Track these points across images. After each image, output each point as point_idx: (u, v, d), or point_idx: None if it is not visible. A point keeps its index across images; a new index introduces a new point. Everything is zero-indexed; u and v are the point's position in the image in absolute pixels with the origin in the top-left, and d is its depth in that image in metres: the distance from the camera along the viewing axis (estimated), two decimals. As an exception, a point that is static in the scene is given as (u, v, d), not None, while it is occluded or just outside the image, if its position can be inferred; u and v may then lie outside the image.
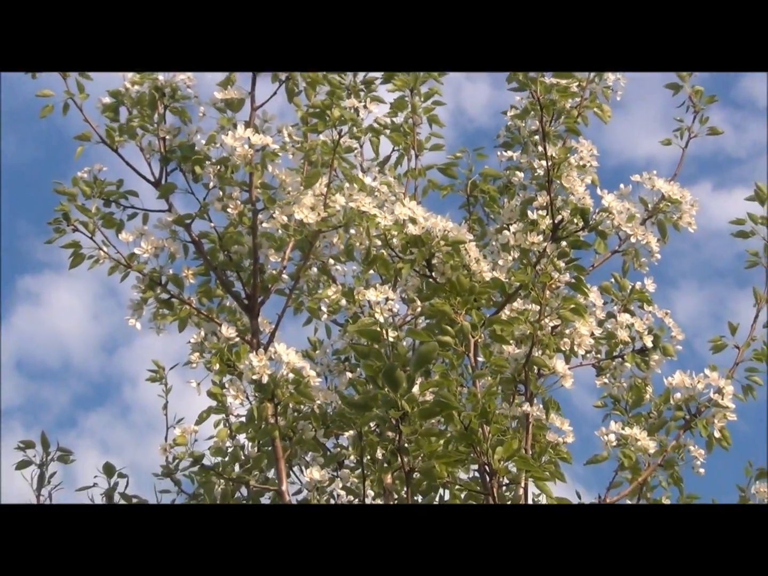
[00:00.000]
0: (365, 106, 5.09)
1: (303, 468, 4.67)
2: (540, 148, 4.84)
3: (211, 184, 5.00)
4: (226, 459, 4.85)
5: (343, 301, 4.73)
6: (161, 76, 5.01)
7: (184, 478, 4.96)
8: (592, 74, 5.10)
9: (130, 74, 4.99)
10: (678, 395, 4.69)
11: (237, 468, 4.85)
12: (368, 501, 4.64)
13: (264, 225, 4.82)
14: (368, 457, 4.41)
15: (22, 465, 5.11)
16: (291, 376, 4.32)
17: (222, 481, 4.81)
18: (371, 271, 4.64)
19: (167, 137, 5.05)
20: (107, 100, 5.02)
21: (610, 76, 5.10)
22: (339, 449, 4.78)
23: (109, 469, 5.00)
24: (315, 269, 5.01)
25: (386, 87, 5.52)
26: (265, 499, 4.93)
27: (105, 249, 5.02)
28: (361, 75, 5.57)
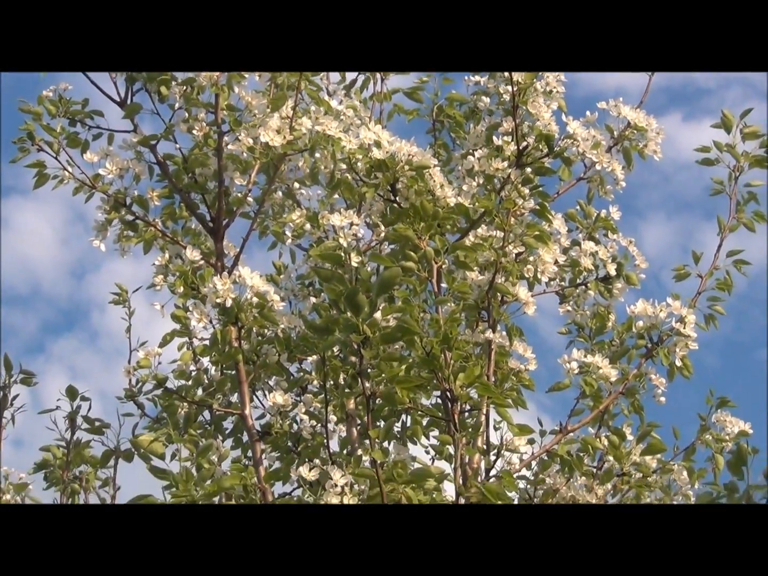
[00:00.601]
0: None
1: (266, 392, 4.71)
2: (506, 73, 4.86)
3: (177, 105, 5.01)
4: (190, 382, 4.87)
5: (308, 226, 4.76)
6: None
7: (148, 402, 4.96)
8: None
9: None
10: (640, 323, 4.73)
11: (200, 392, 4.88)
12: (330, 426, 4.64)
13: (229, 147, 4.84)
14: (331, 382, 4.44)
15: None
16: (255, 300, 4.36)
17: (185, 404, 4.82)
18: (336, 196, 4.66)
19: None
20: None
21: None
22: (302, 374, 4.81)
23: (72, 393, 5.05)
24: (280, 193, 5.02)
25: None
26: (228, 423, 4.98)
27: (70, 169, 5.05)
28: None
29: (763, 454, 4.14)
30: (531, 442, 4.76)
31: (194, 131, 4.94)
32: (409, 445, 4.69)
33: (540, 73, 4.86)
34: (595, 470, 4.74)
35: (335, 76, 5.64)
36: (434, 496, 3.97)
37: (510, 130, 4.79)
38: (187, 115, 4.99)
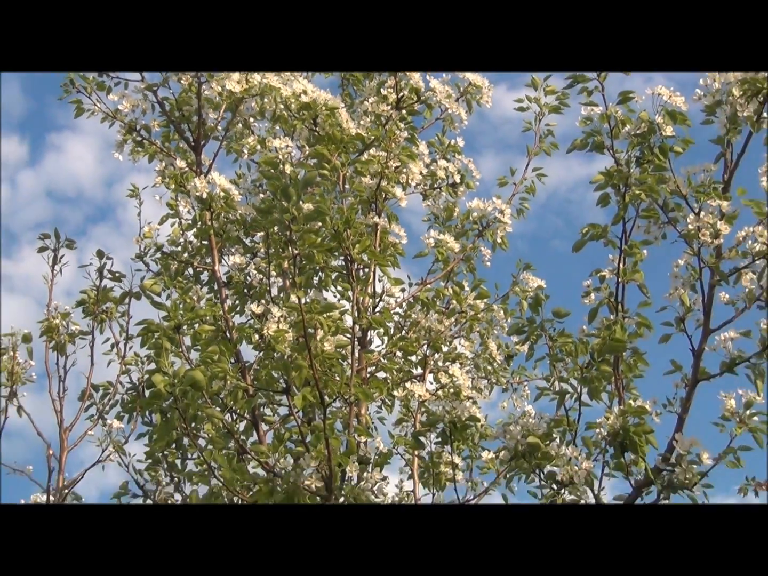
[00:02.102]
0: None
1: (229, 255, 4.68)
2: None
3: (171, 63, 4.98)
4: (179, 248, 4.89)
5: (258, 146, 4.76)
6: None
7: (151, 262, 4.94)
8: None
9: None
10: (475, 214, 4.79)
11: (186, 255, 4.89)
12: (272, 279, 4.65)
13: (206, 93, 4.81)
14: (272, 249, 4.45)
15: (42, 249, 5.15)
16: (222, 194, 4.33)
17: (175, 262, 4.84)
18: (277, 127, 4.64)
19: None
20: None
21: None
22: (253, 244, 4.80)
23: (100, 254, 5.07)
24: (240, 125, 4.95)
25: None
26: (204, 276, 4.95)
27: (99, 105, 5.00)
28: None
29: (554, 300, 4.21)
30: (402, 290, 4.84)
31: (182, 81, 4.90)
32: (323, 292, 4.71)
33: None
34: (444, 309, 4.79)
35: None
36: (338, 323, 3.98)
37: (392, 85, 4.79)
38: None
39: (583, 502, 3.77)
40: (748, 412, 3.59)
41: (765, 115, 3.73)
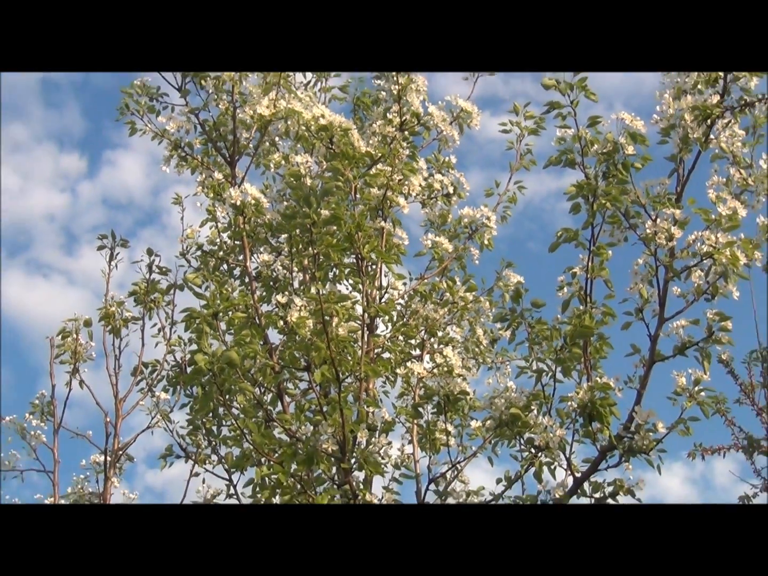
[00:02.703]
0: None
1: (258, 254, 4.67)
2: (393, 77, 4.82)
3: (211, 90, 4.97)
4: (216, 248, 4.88)
5: (283, 161, 4.78)
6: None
7: (193, 259, 4.94)
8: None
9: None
10: (465, 220, 4.78)
11: (222, 253, 4.87)
12: (294, 273, 4.64)
13: (240, 116, 4.82)
14: (295, 249, 4.44)
15: (100, 248, 5.16)
16: (252, 201, 4.30)
17: (213, 259, 4.85)
18: (299, 145, 4.63)
19: (185, 63, 5.01)
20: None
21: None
22: (279, 244, 4.79)
23: (150, 251, 5.08)
24: (268, 143, 4.97)
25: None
26: (237, 271, 4.91)
27: (149, 126, 5.00)
28: None
29: (531, 293, 4.21)
30: (404, 284, 4.84)
31: (220, 105, 4.92)
32: (338, 285, 4.72)
33: (415, 79, 4.82)
34: (439, 300, 4.77)
35: (299, 77, 5.41)
36: (350, 312, 3.98)
37: (396, 110, 4.79)
38: (216, 96, 4.96)
39: (555, 464, 3.78)
40: (696, 389, 3.61)
41: (712, 136, 3.73)
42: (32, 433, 4.72)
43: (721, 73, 3.70)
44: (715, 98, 3.69)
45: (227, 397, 3.92)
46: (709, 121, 3.64)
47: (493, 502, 3.98)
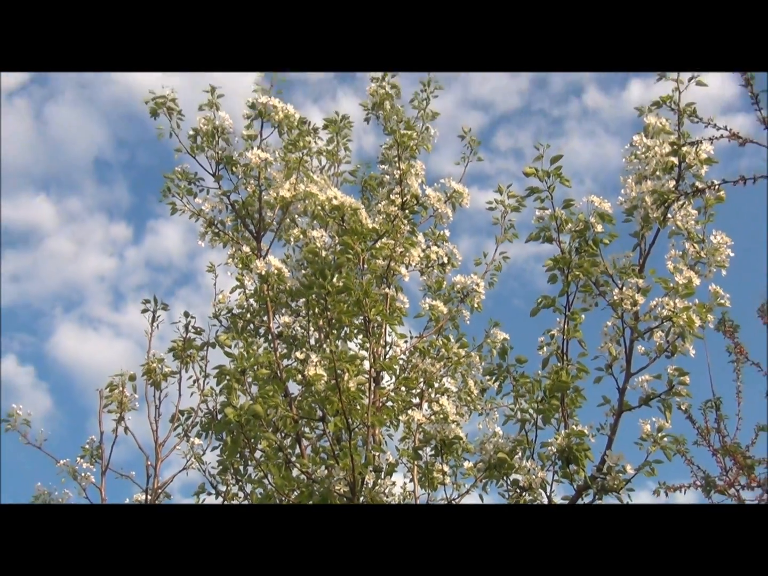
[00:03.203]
0: (315, 141, 5.13)
1: (280, 316, 4.65)
2: (396, 163, 4.88)
3: (240, 175, 5.00)
4: (244, 311, 4.86)
5: (301, 236, 4.80)
6: (217, 120, 4.96)
7: (223, 320, 4.92)
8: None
9: (202, 119, 4.93)
10: (458, 286, 4.80)
11: (248, 315, 4.86)
12: (310, 333, 4.63)
13: (265, 198, 4.85)
14: (311, 312, 4.45)
15: (144, 311, 5.16)
16: (275, 271, 4.32)
17: (241, 321, 4.83)
18: (315, 222, 4.66)
19: (219, 151, 5.04)
20: (191, 131, 4.99)
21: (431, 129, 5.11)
22: (298, 308, 4.79)
23: (186, 314, 5.08)
24: (288, 220, 4.97)
25: (327, 131, 5.36)
26: (261, 331, 4.86)
27: (188, 206, 5.04)
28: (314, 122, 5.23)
29: (516, 349, 4.19)
30: (405, 342, 4.85)
31: (248, 189, 4.94)
32: (348, 343, 4.72)
33: (414, 165, 4.87)
34: (435, 356, 4.75)
35: (315, 162, 5.41)
36: (359, 367, 3.98)
37: (398, 191, 4.83)
38: (245, 180, 4.98)
39: (538, 502, 3.76)
40: (659, 435, 3.60)
41: (669, 216, 3.76)
42: (83, 474, 4.69)
43: (676, 161, 3.74)
44: (671, 183, 3.73)
45: (252, 443, 3.92)
46: (666, 203, 3.68)
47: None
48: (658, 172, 3.80)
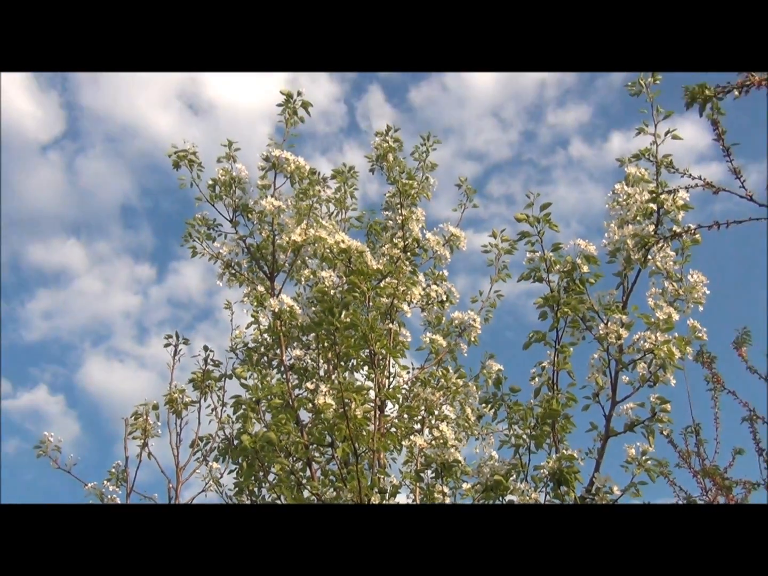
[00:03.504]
0: (324, 189, 5.16)
1: (292, 349, 4.65)
2: (398, 210, 4.90)
3: (255, 221, 5.01)
4: (258, 344, 4.84)
5: (312, 276, 4.81)
6: (234, 171, 4.99)
7: (240, 353, 4.92)
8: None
9: (220, 170, 4.95)
10: (456, 321, 4.80)
11: (263, 349, 4.85)
12: (320, 364, 4.62)
13: (278, 241, 4.86)
14: (321, 345, 4.45)
15: (167, 345, 5.13)
16: (287, 308, 4.31)
17: (256, 354, 4.81)
18: (324, 263, 4.67)
19: (235, 200, 5.06)
20: (210, 181, 5.02)
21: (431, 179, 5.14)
22: (308, 341, 4.77)
23: (205, 348, 5.03)
24: (299, 262, 4.98)
25: (335, 181, 5.39)
26: (274, 363, 4.83)
27: (207, 249, 5.05)
28: (323, 172, 5.23)
29: (510, 379, 4.18)
30: (408, 373, 4.83)
31: (262, 233, 4.95)
32: (355, 374, 4.71)
33: (415, 211, 4.89)
34: (435, 385, 4.74)
35: (323, 208, 5.38)
36: (365, 397, 3.96)
37: (401, 236, 4.85)
38: (260, 226, 4.99)
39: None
40: (643, 458, 3.57)
41: (649, 257, 3.77)
42: (109, 497, 4.64)
43: (655, 207, 3.76)
44: (651, 227, 3.75)
45: (266, 467, 3.89)
46: (646, 245, 3.70)
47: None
48: (638, 218, 3.83)
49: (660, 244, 3.71)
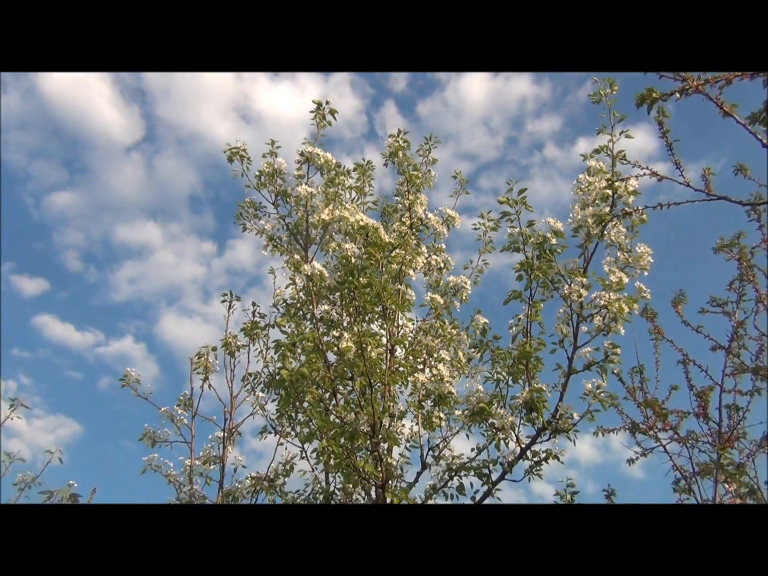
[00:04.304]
0: (347, 179, 5.12)
1: (321, 305, 4.60)
2: (406, 196, 4.85)
3: (292, 204, 5.01)
4: (295, 301, 4.82)
5: (337, 248, 4.78)
6: (276, 164, 4.97)
7: (280, 308, 4.90)
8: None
9: (265, 163, 4.91)
10: (451, 284, 4.74)
11: (298, 305, 4.81)
12: (344, 317, 4.59)
13: (311, 220, 4.86)
14: (344, 302, 4.42)
15: (223, 301, 5.10)
16: (318, 273, 4.31)
17: (293, 309, 4.79)
18: (347, 237, 4.65)
19: (277, 187, 5.05)
20: (257, 173, 5.00)
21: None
22: (334, 299, 4.71)
23: (254, 304, 5.04)
24: (327, 236, 4.98)
25: (356, 173, 5.36)
26: (308, 317, 4.76)
27: (254, 227, 5.06)
28: (346, 166, 5.16)
29: (493, 329, 4.17)
30: (412, 324, 4.82)
31: (298, 213, 4.95)
32: (371, 325, 4.71)
33: (419, 197, 4.84)
34: (435, 334, 4.70)
35: (346, 195, 5.29)
36: (379, 342, 3.97)
37: (408, 216, 4.82)
38: (296, 208, 4.99)
39: (509, 439, 3.75)
40: (598, 391, 3.57)
41: (605, 232, 3.74)
42: (178, 418, 4.72)
43: (611, 193, 3.73)
44: (607, 209, 3.72)
45: (300, 396, 3.94)
46: (603, 223, 3.67)
47: (468, 464, 3.93)
48: (597, 201, 3.79)
49: (614, 222, 3.67)
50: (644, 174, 3.16)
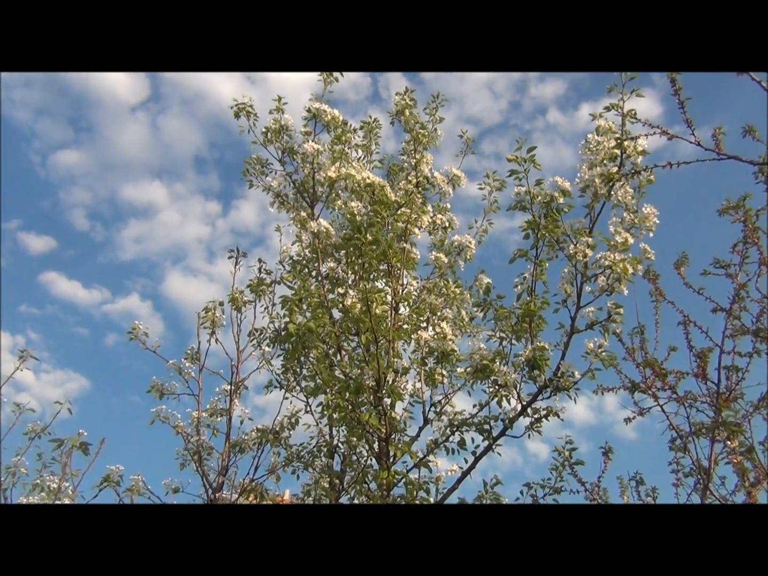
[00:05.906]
0: (354, 137, 5.03)
1: (327, 262, 4.56)
2: (412, 154, 4.76)
3: (299, 161, 4.94)
4: (301, 258, 4.78)
5: (343, 205, 4.72)
6: (282, 121, 4.87)
7: (286, 265, 4.85)
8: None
9: (271, 119, 4.80)
10: (456, 243, 4.65)
11: (304, 261, 4.78)
12: (349, 275, 4.52)
13: (317, 177, 4.79)
14: (349, 259, 4.36)
15: (230, 257, 5.07)
16: (324, 230, 4.25)
17: (299, 265, 4.75)
18: (353, 195, 4.58)
19: (283, 143, 4.96)
20: (263, 129, 4.90)
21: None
22: (339, 257, 4.66)
23: (259, 260, 4.99)
24: (334, 194, 4.92)
25: (362, 130, 5.25)
26: (313, 273, 4.69)
27: (261, 183, 4.99)
28: (353, 124, 5.09)
29: (497, 288, 4.12)
30: (417, 282, 4.78)
31: (305, 171, 4.87)
32: (376, 282, 4.66)
33: (425, 156, 4.73)
34: (438, 292, 4.66)
35: (353, 153, 5.24)
36: (384, 299, 3.93)
37: (414, 174, 4.73)
38: (302, 165, 4.91)
39: (511, 396, 3.74)
40: (599, 350, 3.55)
41: (612, 193, 3.67)
42: (186, 371, 4.72)
43: (619, 152, 3.64)
44: (615, 169, 3.63)
45: (306, 350, 3.92)
46: (611, 183, 3.59)
47: (469, 420, 3.94)
48: (605, 161, 3.70)
49: (621, 182, 3.59)
50: (654, 133, 3.07)
